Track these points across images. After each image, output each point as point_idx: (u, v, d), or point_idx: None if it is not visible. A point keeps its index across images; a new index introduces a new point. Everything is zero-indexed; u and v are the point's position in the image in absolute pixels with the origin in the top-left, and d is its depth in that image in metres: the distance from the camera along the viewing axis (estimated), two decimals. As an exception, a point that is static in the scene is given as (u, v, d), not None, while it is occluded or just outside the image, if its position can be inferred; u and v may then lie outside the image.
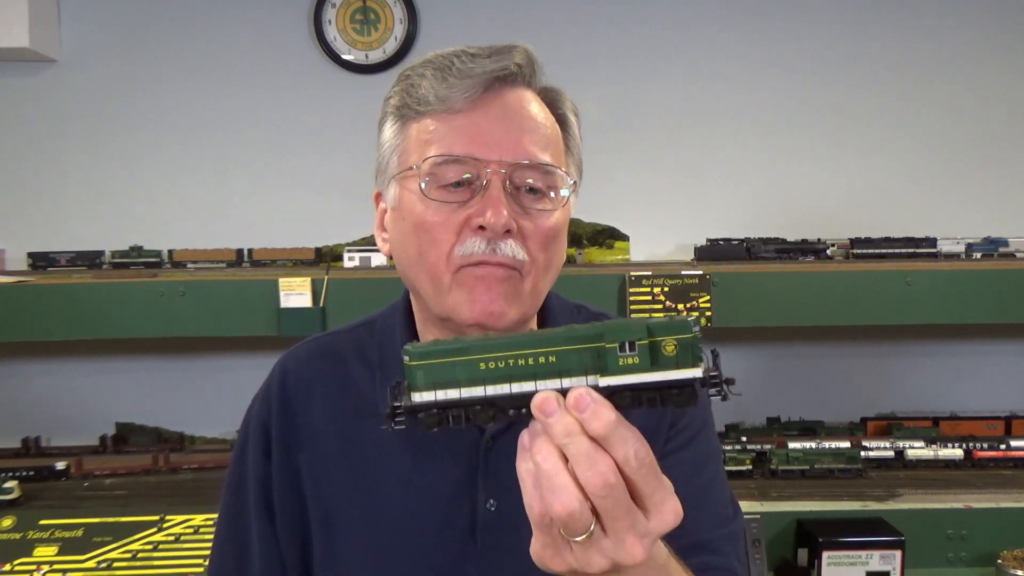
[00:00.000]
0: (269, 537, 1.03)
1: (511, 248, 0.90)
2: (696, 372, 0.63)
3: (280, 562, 1.04)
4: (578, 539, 0.63)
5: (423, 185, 0.91)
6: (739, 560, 1.02)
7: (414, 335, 1.04)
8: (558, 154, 0.96)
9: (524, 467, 0.65)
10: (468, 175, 0.90)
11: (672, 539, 0.70)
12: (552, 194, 0.94)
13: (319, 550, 1.02)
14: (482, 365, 0.65)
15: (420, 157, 0.92)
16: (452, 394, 0.65)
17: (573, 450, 0.62)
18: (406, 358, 0.66)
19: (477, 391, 0.65)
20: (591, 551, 0.64)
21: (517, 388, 0.64)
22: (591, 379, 0.64)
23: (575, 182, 0.98)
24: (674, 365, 0.63)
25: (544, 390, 0.64)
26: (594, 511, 0.62)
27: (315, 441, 1.03)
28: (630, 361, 0.63)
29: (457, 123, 0.91)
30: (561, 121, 0.99)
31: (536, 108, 0.95)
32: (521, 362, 0.64)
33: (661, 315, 0.66)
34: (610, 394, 0.64)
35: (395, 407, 0.66)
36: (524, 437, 0.65)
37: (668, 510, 0.64)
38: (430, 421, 0.66)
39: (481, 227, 0.89)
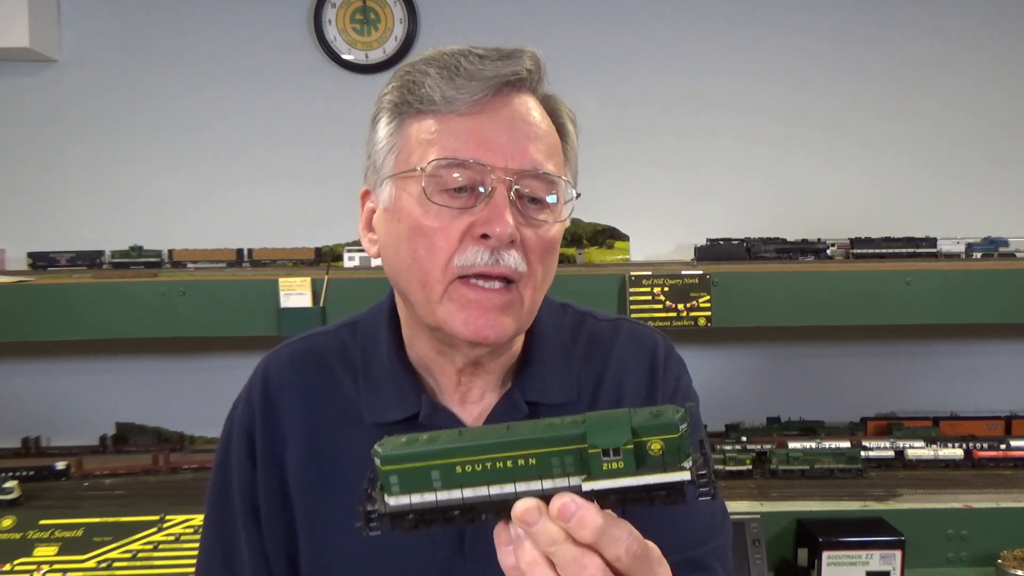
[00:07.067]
0: (257, 547, 1.00)
1: (513, 259, 0.87)
2: (684, 475, 0.60)
3: (268, 573, 1.00)
4: None
5: (425, 188, 0.87)
6: (728, 571, 1.01)
7: (399, 339, 1.01)
8: (559, 164, 0.93)
9: (508, 562, 0.63)
10: (472, 181, 0.87)
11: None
12: (553, 203, 0.91)
13: (306, 560, 1.00)
14: (458, 469, 0.62)
15: (422, 159, 0.88)
16: (428, 497, 0.62)
17: (560, 558, 0.60)
18: (377, 461, 0.63)
19: (454, 494, 0.62)
20: None
21: (496, 490, 0.62)
22: (574, 481, 0.61)
23: (578, 194, 0.95)
24: (661, 466, 0.60)
25: (524, 496, 0.61)
26: None
27: (299, 446, 1.00)
28: (615, 466, 0.60)
29: (461, 126, 0.87)
30: (560, 130, 0.96)
31: (539, 116, 0.91)
32: (499, 464, 0.62)
33: (645, 411, 0.61)
34: (595, 497, 0.61)
35: (369, 512, 0.63)
36: (500, 533, 0.63)
37: None
38: (407, 526, 0.63)
39: (484, 236, 0.86)
